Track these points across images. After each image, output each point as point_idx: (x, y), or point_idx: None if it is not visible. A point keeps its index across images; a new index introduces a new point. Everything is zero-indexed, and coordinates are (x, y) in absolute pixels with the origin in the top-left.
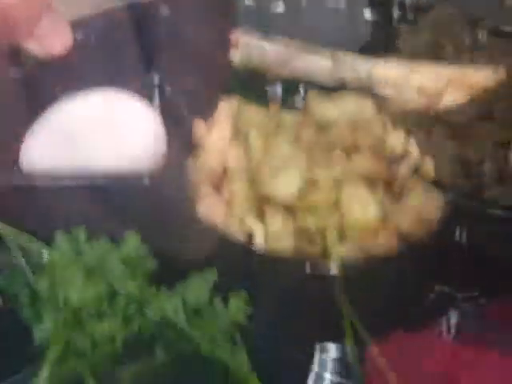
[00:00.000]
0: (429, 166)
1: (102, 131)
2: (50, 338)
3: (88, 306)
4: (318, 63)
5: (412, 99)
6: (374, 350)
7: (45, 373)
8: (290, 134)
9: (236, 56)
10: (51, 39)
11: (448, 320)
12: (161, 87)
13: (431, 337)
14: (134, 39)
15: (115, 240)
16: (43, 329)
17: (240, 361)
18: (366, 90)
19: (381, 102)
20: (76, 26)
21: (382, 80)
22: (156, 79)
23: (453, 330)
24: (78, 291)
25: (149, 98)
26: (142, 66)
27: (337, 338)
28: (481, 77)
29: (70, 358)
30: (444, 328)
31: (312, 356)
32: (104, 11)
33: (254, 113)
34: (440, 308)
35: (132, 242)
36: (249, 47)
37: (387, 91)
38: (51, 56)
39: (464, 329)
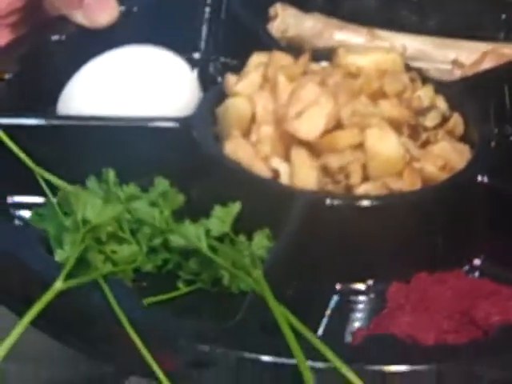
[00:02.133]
0: (458, 122)
1: (140, 84)
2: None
3: (106, 225)
4: (352, 38)
5: (447, 71)
6: (395, 287)
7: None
8: (317, 79)
9: (274, 27)
10: (98, 11)
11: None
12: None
13: (452, 275)
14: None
15: (145, 183)
16: (62, 251)
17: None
18: None
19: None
20: None
21: (418, 54)
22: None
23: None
24: (95, 211)
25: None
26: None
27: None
28: None
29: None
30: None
31: (331, 293)
32: None
33: (283, 60)
34: (462, 251)
35: (161, 187)
36: (286, 19)
37: (423, 65)
38: (97, 26)
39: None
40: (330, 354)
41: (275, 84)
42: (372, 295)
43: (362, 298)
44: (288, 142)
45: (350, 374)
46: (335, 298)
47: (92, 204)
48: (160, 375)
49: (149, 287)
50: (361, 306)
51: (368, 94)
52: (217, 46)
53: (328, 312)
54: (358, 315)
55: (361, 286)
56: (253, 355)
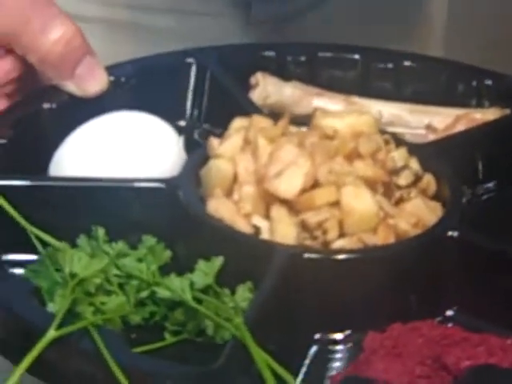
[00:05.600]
0: (430, 181)
1: (128, 147)
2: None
3: (93, 278)
4: (330, 104)
5: (421, 135)
6: (371, 336)
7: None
8: (295, 140)
9: (255, 94)
10: (89, 81)
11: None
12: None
13: (425, 324)
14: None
15: (133, 240)
16: (54, 304)
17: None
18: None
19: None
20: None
21: (393, 120)
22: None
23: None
24: (82, 265)
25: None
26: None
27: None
28: (486, 115)
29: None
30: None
31: (310, 343)
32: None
33: (262, 123)
34: (435, 303)
35: (148, 243)
36: (267, 87)
37: (398, 129)
38: (88, 96)
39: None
40: None
41: (255, 145)
42: (349, 344)
43: (339, 347)
44: (268, 200)
45: None
46: (314, 347)
47: (78, 258)
48: None
49: (137, 338)
50: (339, 355)
51: (344, 154)
52: (201, 114)
53: (307, 361)
54: (336, 363)
55: (339, 336)
56: None
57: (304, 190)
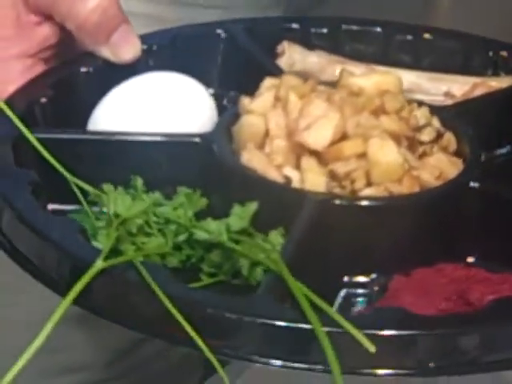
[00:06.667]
0: (451, 139)
1: (163, 106)
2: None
3: (135, 218)
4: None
5: (440, 102)
6: (396, 279)
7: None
8: (324, 96)
9: (282, 62)
10: (124, 48)
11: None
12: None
13: (448, 266)
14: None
15: (169, 192)
16: (98, 242)
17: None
18: None
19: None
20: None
21: (412, 87)
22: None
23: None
24: (125, 206)
25: None
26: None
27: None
28: (502, 82)
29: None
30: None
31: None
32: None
33: (293, 81)
34: (457, 250)
35: (184, 191)
36: (293, 55)
37: (418, 96)
38: (122, 62)
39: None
40: (344, 322)
41: (286, 102)
42: (376, 288)
43: (367, 290)
44: (298, 152)
45: (363, 338)
46: (343, 290)
47: (122, 200)
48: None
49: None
50: (366, 298)
51: (370, 110)
52: (230, 82)
53: (336, 304)
54: (364, 304)
55: (366, 279)
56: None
57: (333, 142)
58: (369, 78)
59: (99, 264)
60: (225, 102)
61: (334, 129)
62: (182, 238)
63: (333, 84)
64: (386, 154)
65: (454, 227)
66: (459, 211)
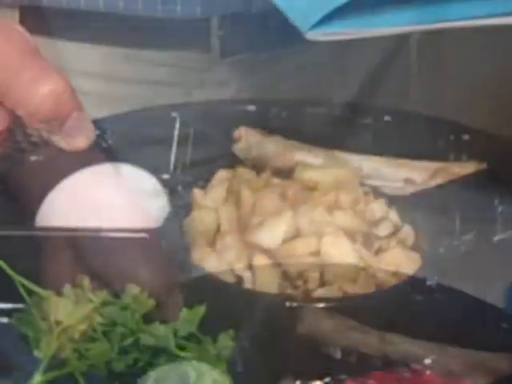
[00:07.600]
0: (409, 232)
1: (113, 198)
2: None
3: (77, 325)
4: (311, 159)
5: (400, 188)
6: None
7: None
8: (277, 191)
9: (239, 148)
10: (77, 137)
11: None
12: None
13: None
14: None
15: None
16: (40, 351)
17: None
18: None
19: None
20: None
21: (372, 173)
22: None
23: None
24: (67, 312)
25: None
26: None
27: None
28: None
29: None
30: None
31: None
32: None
33: (246, 175)
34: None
35: (132, 291)
36: (249, 140)
37: (377, 182)
38: (75, 149)
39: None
40: None
41: (239, 196)
42: None
43: None
44: (250, 248)
45: None
46: None
47: (63, 306)
48: None
49: None
50: None
51: (324, 205)
52: (184, 168)
53: None
54: None
55: None
56: None
57: (286, 240)
58: (324, 172)
59: (37, 379)
60: (179, 188)
61: (287, 227)
62: (128, 341)
63: (289, 171)
64: (340, 253)
65: (410, 329)
66: (415, 310)
